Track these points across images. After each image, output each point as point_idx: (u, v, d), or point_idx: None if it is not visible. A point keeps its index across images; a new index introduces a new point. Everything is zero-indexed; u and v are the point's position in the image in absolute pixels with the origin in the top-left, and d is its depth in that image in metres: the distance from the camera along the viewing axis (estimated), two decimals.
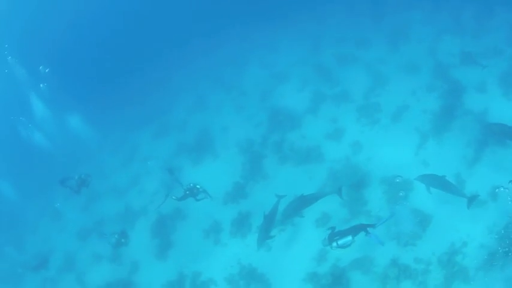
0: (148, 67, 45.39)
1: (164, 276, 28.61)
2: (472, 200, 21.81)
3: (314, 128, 30.86)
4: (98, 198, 35.92)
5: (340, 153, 28.41)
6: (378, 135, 28.75)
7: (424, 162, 25.76)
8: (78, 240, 35.84)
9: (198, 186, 26.17)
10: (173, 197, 26.40)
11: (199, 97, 40.34)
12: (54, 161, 42.21)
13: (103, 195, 36.11)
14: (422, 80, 30.70)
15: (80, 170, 31.06)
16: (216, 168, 29.40)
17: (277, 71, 37.43)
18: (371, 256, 22.69)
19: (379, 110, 30.12)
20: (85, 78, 50.70)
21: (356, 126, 29.79)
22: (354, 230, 20.56)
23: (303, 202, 24.56)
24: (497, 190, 22.15)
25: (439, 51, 32.57)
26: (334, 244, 20.22)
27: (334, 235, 20.37)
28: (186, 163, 33.76)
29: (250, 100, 36.06)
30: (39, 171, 44.97)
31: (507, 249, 20.09)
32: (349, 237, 20.16)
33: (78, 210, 38.19)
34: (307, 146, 29.58)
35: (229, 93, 38.51)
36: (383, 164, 26.42)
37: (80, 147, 42.07)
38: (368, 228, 20.69)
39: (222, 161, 32.21)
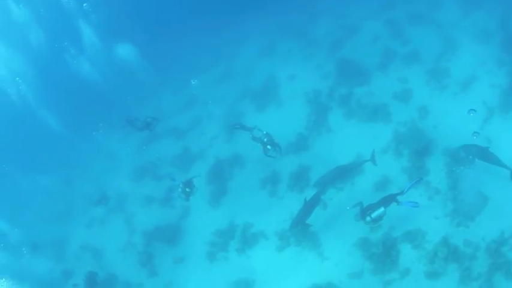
0: (217, 7, 43.36)
1: (215, 224, 28.66)
2: None
3: (382, 86, 29.92)
4: (156, 139, 35.80)
5: (406, 115, 27.63)
6: (446, 102, 27.63)
7: (487, 138, 24.57)
8: (131, 181, 36.10)
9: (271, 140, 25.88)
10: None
11: (268, 43, 39.51)
12: (112, 97, 42.09)
13: (161, 136, 35.92)
14: (492, 52, 29.08)
15: (147, 112, 31.64)
16: (279, 116, 28.95)
17: (348, 23, 36.25)
18: (424, 230, 22.24)
19: (448, 76, 28.89)
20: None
21: (425, 90, 28.76)
22: (385, 202, 20.57)
23: (338, 173, 25.05)
24: None
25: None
26: (368, 218, 20.33)
27: (366, 209, 20.46)
28: (250, 109, 33.67)
29: (320, 50, 34.98)
30: (91, 107, 44.82)
31: None
32: (382, 209, 20.31)
33: (134, 150, 38.22)
34: (375, 104, 28.90)
35: (299, 41, 37.49)
36: (448, 135, 25.61)
37: (139, 85, 42.00)
38: (398, 197, 20.78)
39: (287, 110, 31.67)
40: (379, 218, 20.32)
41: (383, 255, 21.82)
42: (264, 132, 26.02)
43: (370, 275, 21.78)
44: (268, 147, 25.67)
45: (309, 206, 24.09)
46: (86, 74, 43.18)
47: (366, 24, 35.04)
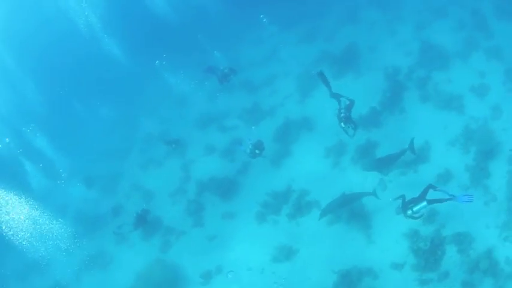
0: None
1: (271, 184, 28.35)
2: None
3: (461, 75, 28.95)
4: (228, 89, 35.13)
5: (479, 111, 26.64)
6: None
7: None
8: (195, 128, 36.29)
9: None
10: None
11: (353, 10, 38.94)
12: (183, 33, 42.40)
13: (233, 87, 35.51)
14: None
15: (226, 64, 30.77)
16: (355, 87, 28.04)
17: (435, 6, 34.87)
18: (473, 236, 21.40)
19: None
20: None
21: (501, 89, 27.56)
22: (426, 195, 20.15)
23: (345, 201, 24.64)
24: None
25: None
26: (409, 212, 20.12)
27: (408, 203, 20.21)
28: (327, 74, 31.45)
29: (405, 27, 34.18)
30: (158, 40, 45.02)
31: None
32: (424, 203, 20.08)
33: (204, 97, 38.19)
34: (451, 92, 27.96)
35: (385, 14, 36.75)
36: None
37: (214, 26, 42.04)
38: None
39: (364, 82, 31.03)
40: (421, 211, 20.11)
41: (429, 252, 21.27)
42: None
43: (410, 270, 21.33)
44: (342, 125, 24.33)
45: (344, 200, 24.26)
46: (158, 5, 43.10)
47: (453, 10, 33.83)
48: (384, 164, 24.79)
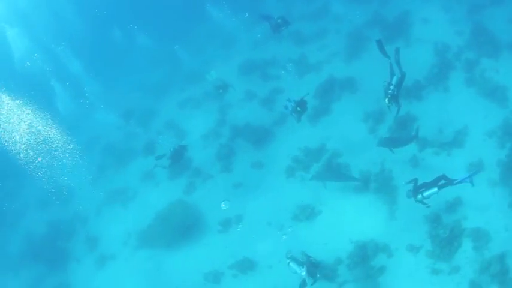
0: None
1: (305, 140, 28.52)
2: None
3: (509, 67, 27.86)
4: (278, 38, 34.39)
5: None
6: None
7: None
8: (238, 72, 36.63)
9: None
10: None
11: None
12: None
13: (283, 37, 34.56)
14: None
15: (280, 14, 29.83)
16: (403, 56, 26.54)
17: None
18: (490, 236, 20.93)
19: None
20: None
21: None
22: (439, 183, 20.07)
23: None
24: None
25: None
26: (419, 196, 20.28)
27: (419, 187, 20.43)
28: (376, 37, 31.11)
29: (460, 6, 32.88)
30: None
31: None
32: (435, 189, 20.08)
33: (252, 43, 38.32)
34: (497, 82, 27.08)
35: None
36: None
37: None
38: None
39: (412, 52, 30.06)
40: (430, 196, 20.15)
41: (446, 241, 21.13)
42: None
43: (425, 256, 21.23)
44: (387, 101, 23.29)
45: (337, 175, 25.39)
46: None
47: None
48: (389, 144, 24.57)
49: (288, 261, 21.39)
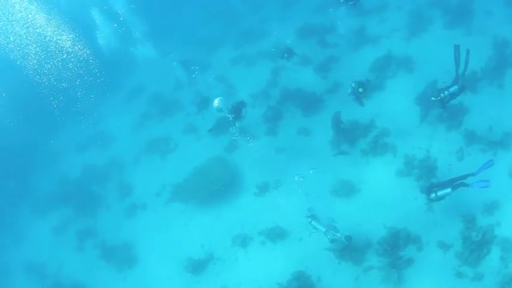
0: None
1: (355, 113, 27.77)
2: None
3: None
4: (337, 5, 32.57)
5: None
6: None
7: None
8: (295, 35, 36.33)
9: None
10: None
11: None
12: None
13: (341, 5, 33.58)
14: None
15: None
16: (462, 44, 25.69)
17: None
18: None
19: None
20: None
21: None
22: (454, 183, 20.35)
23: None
24: None
25: None
26: (433, 195, 20.57)
27: (433, 186, 20.74)
28: (437, 22, 31.96)
29: None
30: None
31: None
32: (449, 190, 20.27)
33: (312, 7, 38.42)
34: None
35: None
36: None
37: None
38: (468, 179, 20.19)
39: (471, 42, 28.23)
40: (443, 197, 20.47)
41: (476, 245, 20.66)
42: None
43: (453, 256, 20.84)
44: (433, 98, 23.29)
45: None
46: None
47: None
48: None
49: (309, 219, 22.12)
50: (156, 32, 41.27)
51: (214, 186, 27.74)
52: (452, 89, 21.82)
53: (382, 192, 24.19)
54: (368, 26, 33.99)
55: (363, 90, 25.05)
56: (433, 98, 22.66)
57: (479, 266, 20.16)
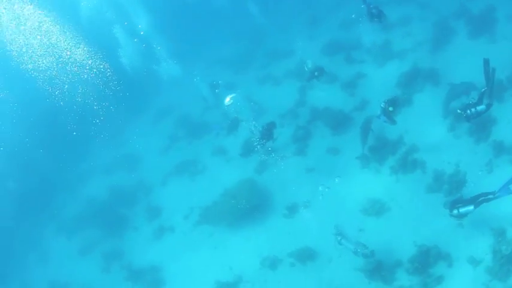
0: None
1: (384, 130, 27.52)
2: None
3: None
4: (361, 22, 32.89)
5: None
6: None
7: None
8: (321, 53, 36.50)
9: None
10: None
11: None
12: None
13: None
14: None
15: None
16: (487, 52, 25.06)
17: None
18: None
19: None
20: None
21: None
22: (477, 201, 20.06)
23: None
24: None
25: None
26: (455, 211, 20.40)
27: (457, 201, 20.59)
28: (461, 32, 32.06)
29: None
30: None
31: None
32: (471, 207, 20.02)
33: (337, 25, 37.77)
34: None
35: None
36: None
37: None
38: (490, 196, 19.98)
39: (497, 50, 28.52)
40: (466, 214, 20.26)
41: (506, 258, 20.09)
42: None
43: (483, 271, 20.23)
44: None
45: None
46: None
47: None
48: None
49: (338, 238, 22.09)
50: (182, 51, 41.20)
51: (243, 208, 27.52)
52: (479, 108, 21.48)
53: (411, 210, 23.79)
54: (393, 40, 33.95)
55: (393, 109, 24.59)
56: (458, 111, 22.45)
57: (509, 279, 19.63)
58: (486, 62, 21.38)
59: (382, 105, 24.60)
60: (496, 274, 19.86)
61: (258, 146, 28.61)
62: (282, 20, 43.81)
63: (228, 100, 28.29)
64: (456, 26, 32.25)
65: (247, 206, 27.61)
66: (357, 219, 24.49)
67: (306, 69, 30.12)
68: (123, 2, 43.92)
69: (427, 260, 21.52)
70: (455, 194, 22.86)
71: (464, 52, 28.76)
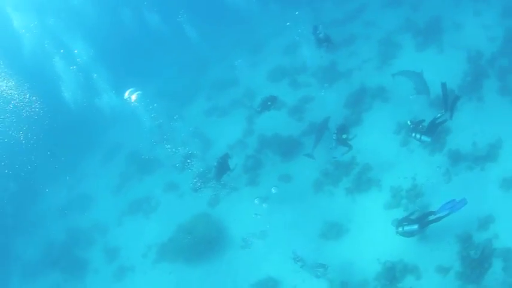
0: None
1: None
2: None
3: None
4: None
5: None
6: None
7: None
8: (268, 79, 36.35)
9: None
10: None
11: None
12: None
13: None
14: None
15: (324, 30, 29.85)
16: (437, 63, 26.60)
17: None
18: None
19: None
20: None
21: None
22: (423, 221, 20.89)
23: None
24: None
25: None
26: (400, 229, 21.04)
27: (403, 220, 21.20)
28: (408, 44, 32.37)
29: (491, 10, 32.09)
30: None
31: None
32: (415, 227, 20.73)
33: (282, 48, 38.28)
34: None
35: None
36: None
37: None
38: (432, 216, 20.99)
39: (445, 59, 29.77)
40: (410, 233, 20.88)
41: (477, 262, 20.34)
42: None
43: (454, 278, 20.43)
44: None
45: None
46: None
47: None
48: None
49: (299, 263, 22.32)
50: (126, 84, 39.66)
51: (200, 243, 27.14)
52: (423, 138, 23.20)
53: (372, 228, 23.64)
54: (338, 61, 33.85)
55: (346, 135, 25.12)
56: (408, 122, 23.33)
57: (483, 281, 19.82)
58: (444, 86, 22.78)
59: (334, 137, 25.15)
60: (468, 278, 20.00)
61: (214, 180, 28.41)
62: (225, 48, 43.69)
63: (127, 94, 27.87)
64: (402, 41, 32.56)
65: (204, 241, 27.23)
66: (315, 243, 24.35)
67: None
68: (62, 34, 43.63)
69: (393, 275, 21.46)
70: (415, 207, 22.98)
71: (412, 65, 28.15)
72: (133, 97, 27.17)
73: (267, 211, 26.63)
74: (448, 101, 23.22)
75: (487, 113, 25.74)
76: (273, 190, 26.67)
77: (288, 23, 36.46)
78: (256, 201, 26.29)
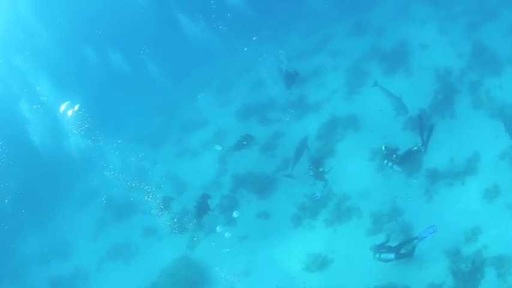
0: None
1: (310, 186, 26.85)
2: None
3: None
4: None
5: None
6: None
7: None
8: (236, 118, 36.47)
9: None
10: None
11: (404, 6, 38.09)
12: None
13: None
14: None
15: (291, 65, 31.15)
16: (406, 86, 26.83)
17: (487, 6, 33.42)
18: None
19: None
20: None
21: None
22: (400, 251, 21.15)
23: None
24: None
25: None
26: (377, 255, 21.27)
27: (382, 246, 21.37)
28: (375, 70, 32.44)
29: (456, 27, 32.92)
30: None
31: None
32: (392, 256, 20.93)
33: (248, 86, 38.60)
34: (503, 101, 26.39)
35: (437, 11, 35.57)
36: None
37: None
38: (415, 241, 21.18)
39: (414, 81, 30.15)
40: (386, 260, 21.03)
41: (468, 274, 20.17)
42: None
43: None
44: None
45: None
46: None
47: (505, 12, 32.25)
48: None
49: None
50: (101, 130, 39.17)
51: (182, 286, 26.65)
52: (395, 168, 23.41)
53: (356, 256, 23.18)
54: (307, 94, 33.85)
55: (323, 168, 25.08)
56: (383, 147, 23.57)
57: None
58: (420, 119, 22.90)
59: (311, 173, 25.15)
60: None
61: (194, 221, 28.07)
62: (192, 90, 43.06)
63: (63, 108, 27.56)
64: (369, 68, 32.71)
65: (187, 284, 26.69)
66: (300, 277, 23.90)
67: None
68: (29, 77, 43.03)
69: None
70: (398, 231, 23.02)
71: (380, 91, 28.37)
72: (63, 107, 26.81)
73: (230, 240, 26.51)
74: (423, 134, 23.14)
75: (461, 128, 25.86)
76: (235, 214, 27.25)
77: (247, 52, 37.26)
78: (218, 228, 26.33)
